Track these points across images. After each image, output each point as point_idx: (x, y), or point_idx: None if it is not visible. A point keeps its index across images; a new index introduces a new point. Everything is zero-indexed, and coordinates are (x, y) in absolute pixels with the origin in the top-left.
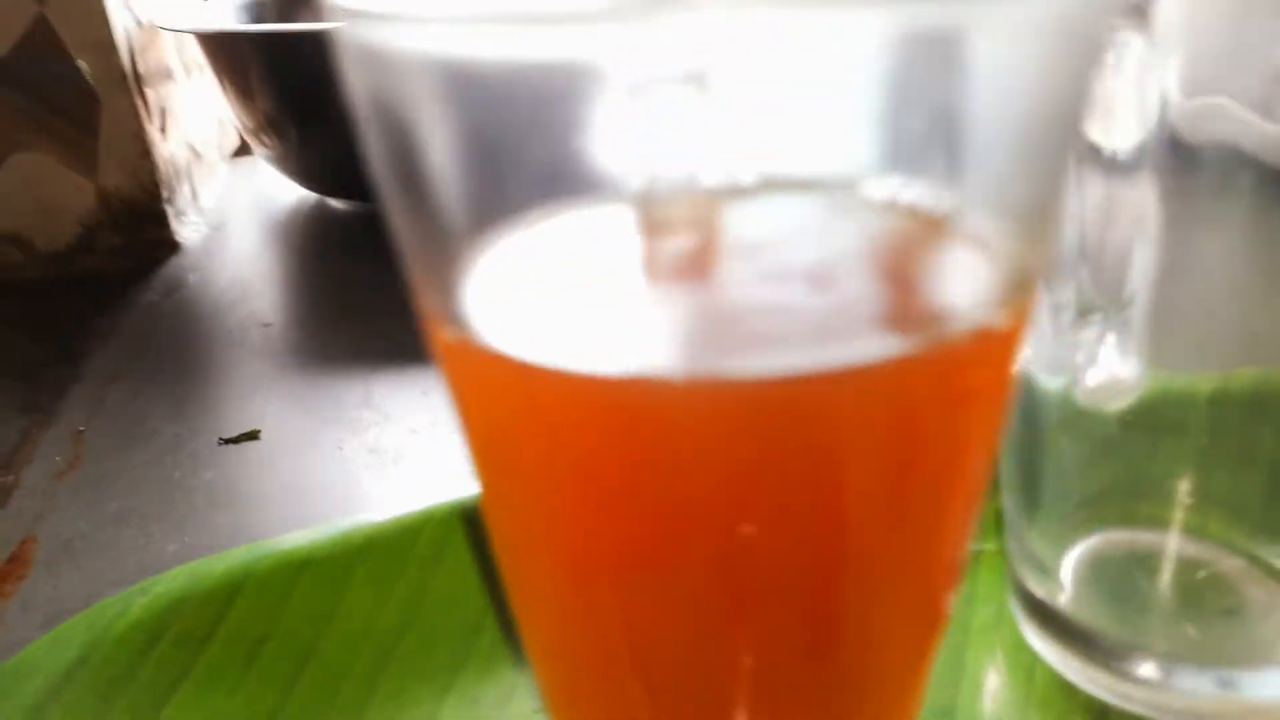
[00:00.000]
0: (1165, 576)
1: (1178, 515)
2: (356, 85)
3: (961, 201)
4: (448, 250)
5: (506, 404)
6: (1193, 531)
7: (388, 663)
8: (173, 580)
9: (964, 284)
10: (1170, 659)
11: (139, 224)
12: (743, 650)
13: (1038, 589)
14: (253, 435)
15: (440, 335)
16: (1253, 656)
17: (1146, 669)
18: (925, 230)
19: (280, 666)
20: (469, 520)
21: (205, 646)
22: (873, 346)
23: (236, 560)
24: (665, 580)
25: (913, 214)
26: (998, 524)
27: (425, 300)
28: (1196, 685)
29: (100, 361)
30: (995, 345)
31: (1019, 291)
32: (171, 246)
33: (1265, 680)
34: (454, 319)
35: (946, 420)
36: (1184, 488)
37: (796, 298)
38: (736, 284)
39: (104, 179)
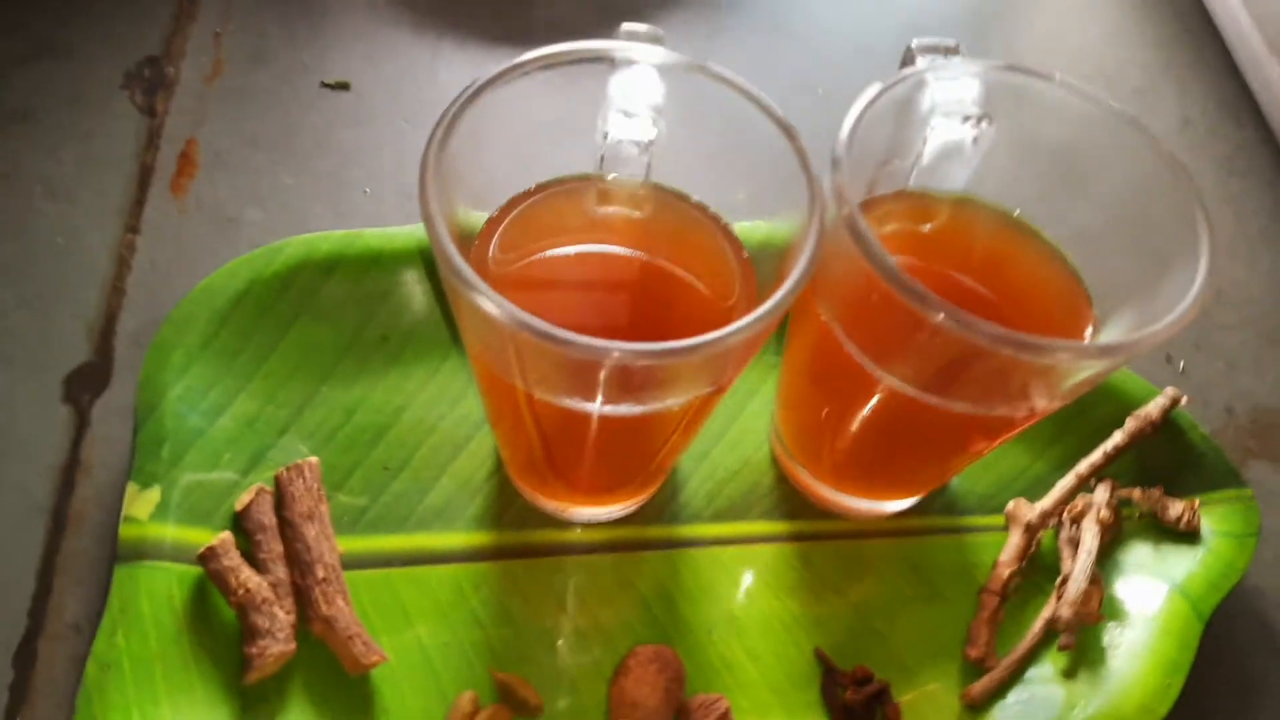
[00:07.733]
0: None
1: None
2: None
3: None
4: None
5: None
6: None
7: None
8: (295, 247)
9: None
10: None
11: None
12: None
13: None
14: (344, 85)
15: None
16: None
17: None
18: None
19: (360, 315)
20: None
21: (315, 297)
22: None
23: (334, 244)
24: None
25: None
26: None
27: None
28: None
29: None
30: None
31: None
32: None
33: None
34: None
35: None
36: None
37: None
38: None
39: None
